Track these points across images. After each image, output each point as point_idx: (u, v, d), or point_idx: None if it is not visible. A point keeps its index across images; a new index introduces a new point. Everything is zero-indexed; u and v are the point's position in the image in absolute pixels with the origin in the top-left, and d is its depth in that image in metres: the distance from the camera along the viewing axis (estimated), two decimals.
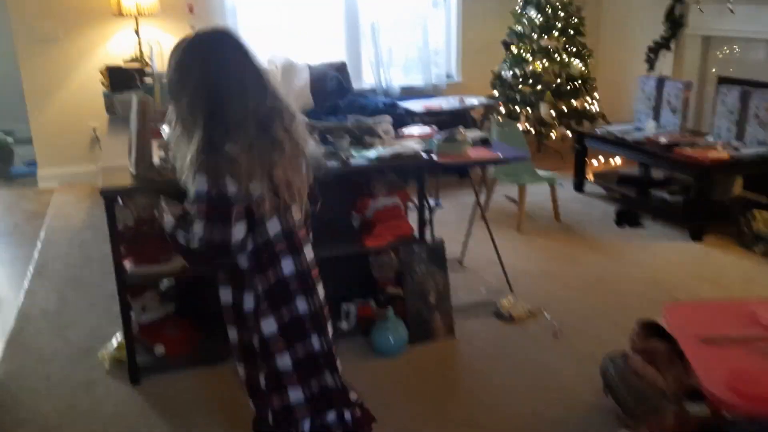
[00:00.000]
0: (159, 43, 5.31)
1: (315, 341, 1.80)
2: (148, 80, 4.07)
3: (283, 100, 1.67)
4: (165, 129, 2.79)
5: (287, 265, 1.74)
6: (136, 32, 5.27)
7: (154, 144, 2.64)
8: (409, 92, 6.15)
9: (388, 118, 3.20)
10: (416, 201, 3.11)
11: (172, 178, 1.86)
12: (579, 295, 3.48)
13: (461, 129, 3.29)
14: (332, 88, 5.62)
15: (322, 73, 5.70)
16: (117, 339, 2.88)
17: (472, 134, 3.42)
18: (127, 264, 2.67)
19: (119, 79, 4.04)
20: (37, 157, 5.66)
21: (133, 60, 5.02)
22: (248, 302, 1.74)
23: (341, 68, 5.80)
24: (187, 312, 2.98)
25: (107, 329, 3.08)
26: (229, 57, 1.62)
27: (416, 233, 3.11)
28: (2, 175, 5.98)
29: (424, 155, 2.96)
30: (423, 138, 3.25)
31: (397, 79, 6.22)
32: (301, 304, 1.77)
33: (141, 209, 2.68)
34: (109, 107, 4.03)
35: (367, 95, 5.88)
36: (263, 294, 1.73)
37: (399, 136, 3.26)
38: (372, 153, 2.91)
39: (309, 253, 1.82)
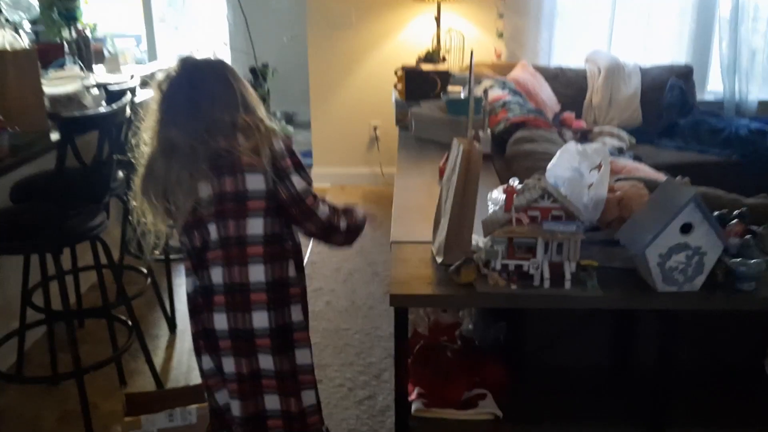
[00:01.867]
0: (461, 35, 4.46)
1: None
2: (453, 90, 3.17)
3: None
4: (493, 195, 1.82)
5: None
6: (437, 19, 4.44)
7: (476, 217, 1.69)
8: None
9: None
10: None
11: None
12: None
13: None
14: (671, 100, 4.28)
15: (659, 79, 4.37)
16: None
17: None
18: (413, 395, 1.77)
19: (417, 84, 3.19)
20: (313, 157, 5.18)
21: (428, 55, 4.19)
22: None
23: (685, 74, 4.41)
24: None
25: None
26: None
27: None
28: None
29: None
30: None
31: (755, 91, 4.63)
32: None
33: (440, 315, 1.75)
34: (400, 119, 3.21)
35: (717, 113, 4.42)
36: None
37: None
38: None
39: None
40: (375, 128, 5.01)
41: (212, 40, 8.39)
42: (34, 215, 2.15)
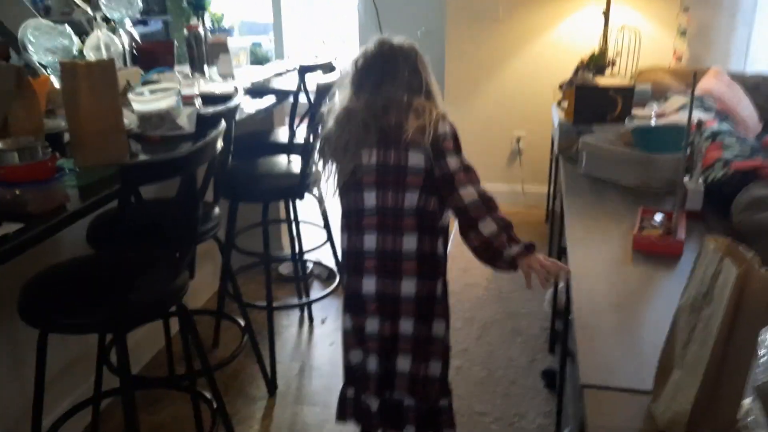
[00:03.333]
0: (636, 32, 3.64)
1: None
2: (641, 114, 2.42)
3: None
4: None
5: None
6: (605, 14, 3.65)
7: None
8: None
9: None
10: None
11: None
12: None
13: None
14: None
15: None
16: None
17: None
18: None
19: (589, 103, 2.46)
20: None
21: (592, 58, 3.41)
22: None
23: None
24: None
25: None
26: None
27: None
28: None
29: None
30: None
31: None
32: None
33: None
34: (565, 147, 2.51)
35: None
36: None
37: None
38: None
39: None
40: (518, 140, 4.30)
41: (341, 33, 7.96)
42: (89, 282, 1.66)
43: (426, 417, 1.85)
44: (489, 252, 1.68)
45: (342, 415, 1.95)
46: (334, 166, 1.79)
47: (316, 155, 1.88)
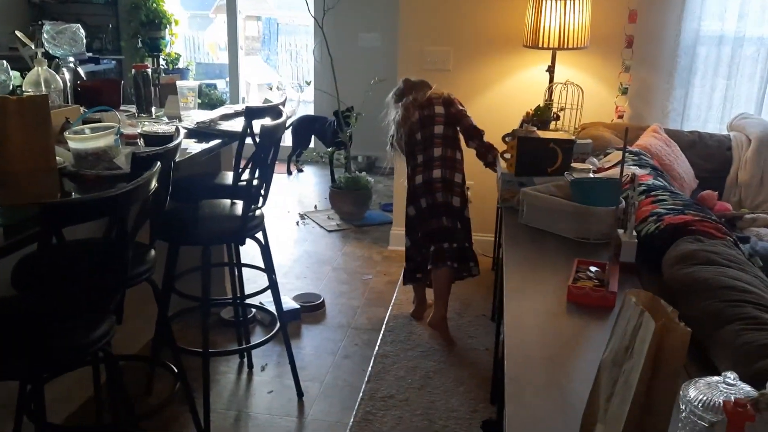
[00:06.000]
0: (578, 89, 3.76)
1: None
2: (579, 167, 2.47)
3: None
4: None
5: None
6: (549, 71, 3.76)
7: None
8: None
9: None
10: None
11: None
12: None
13: None
14: None
15: None
16: None
17: None
18: None
19: (531, 156, 2.51)
20: (394, 212, 4.57)
21: (537, 111, 3.50)
22: None
23: None
24: None
25: None
26: None
27: None
28: (356, 220, 5.04)
29: None
30: None
31: None
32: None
33: None
34: (506, 198, 2.54)
35: None
36: None
37: None
38: None
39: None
40: (467, 188, 4.34)
41: (298, 76, 8.02)
42: (6, 327, 1.58)
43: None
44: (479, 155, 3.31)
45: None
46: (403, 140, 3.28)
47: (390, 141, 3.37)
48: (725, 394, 0.97)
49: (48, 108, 1.78)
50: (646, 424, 0.99)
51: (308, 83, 6.40)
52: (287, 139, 6.06)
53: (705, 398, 1.00)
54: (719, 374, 1.02)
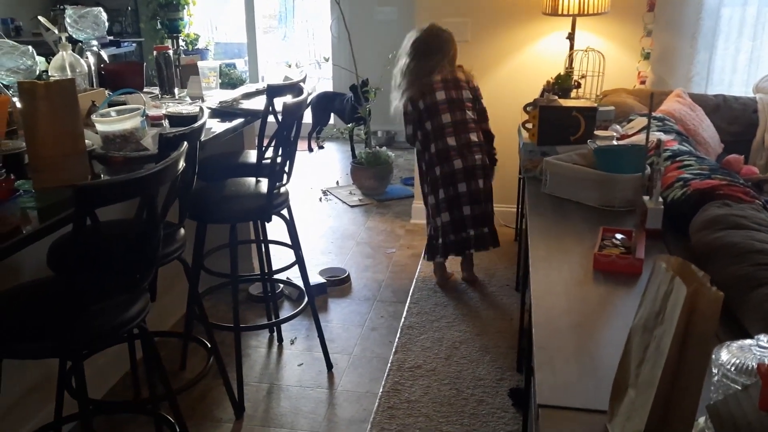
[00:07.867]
0: (600, 56, 3.71)
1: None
2: (603, 135, 2.46)
3: None
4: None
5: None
6: (570, 38, 3.72)
7: None
8: None
9: None
10: None
11: None
12: None
13: None
14: None
15: None
16: None
17: None
18: None
19: (553, 124, 2.50)
20: (415, 186, 4.58)
21: (558, 80, 3.47)
22: None
23: None
24: None
25: None
26: None
27: None
28: (378, 195, 5.06)
29: None
30: None
31: None
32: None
33: None
34: (529, 168, 2.54)
35: None
36: None
37: None
38: None
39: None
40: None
41: (315, 53, 7.99)
42: (44, 306, 1.63)
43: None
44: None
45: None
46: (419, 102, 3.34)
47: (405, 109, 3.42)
48: (758, 357, 0.98)
49: (75, 92, 1.81)
50: (678, 388, 1.00)
51: (326, 59, 6.37)
52: (307, 117, 6.07)
53: (738, 361, 1.01)
54: (751, 338, 1.03)
